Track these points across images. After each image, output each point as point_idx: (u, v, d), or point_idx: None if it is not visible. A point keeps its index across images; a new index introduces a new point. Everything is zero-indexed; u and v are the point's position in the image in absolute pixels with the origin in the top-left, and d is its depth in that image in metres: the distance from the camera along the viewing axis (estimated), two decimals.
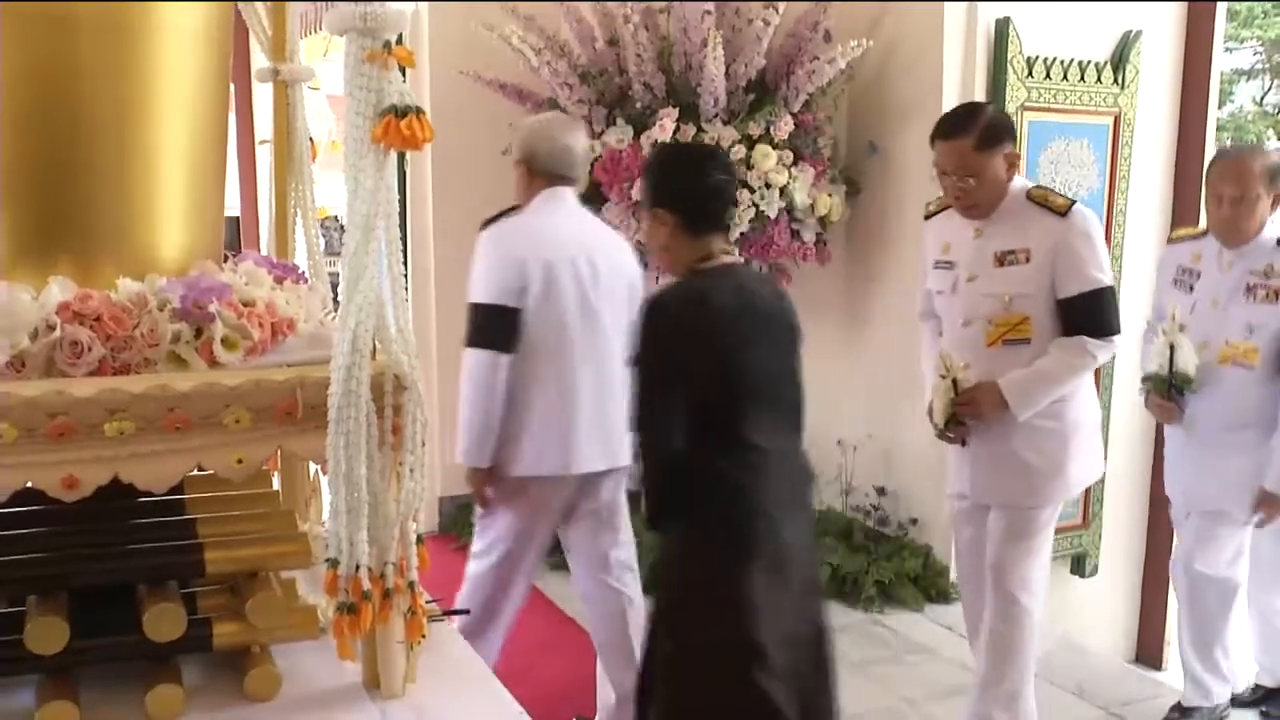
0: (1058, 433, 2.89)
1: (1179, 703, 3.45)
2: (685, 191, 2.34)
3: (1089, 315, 2.79)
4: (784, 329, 2.38)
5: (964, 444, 3.01)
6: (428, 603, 2.03)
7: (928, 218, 3.13)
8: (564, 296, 2.90)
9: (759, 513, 2.24)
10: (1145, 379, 3.27)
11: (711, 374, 2.24)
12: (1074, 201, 2.82)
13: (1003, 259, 2.85)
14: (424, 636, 1.95)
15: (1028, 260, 2.82)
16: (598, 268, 2.95)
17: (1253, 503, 3.10)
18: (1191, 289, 3.21)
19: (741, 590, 2.19)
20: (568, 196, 3.02)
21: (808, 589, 2.36)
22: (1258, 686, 3.63)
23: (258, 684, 1.96)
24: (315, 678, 2.04)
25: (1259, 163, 3.06)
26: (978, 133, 2.82)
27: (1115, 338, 2.83)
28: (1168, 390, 3.17)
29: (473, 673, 2.16)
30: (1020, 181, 2.94)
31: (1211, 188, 3.13)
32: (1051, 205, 2.82)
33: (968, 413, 2.88)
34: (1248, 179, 3.04)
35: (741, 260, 3.01)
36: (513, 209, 3.03)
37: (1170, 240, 3.43)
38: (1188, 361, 3.13)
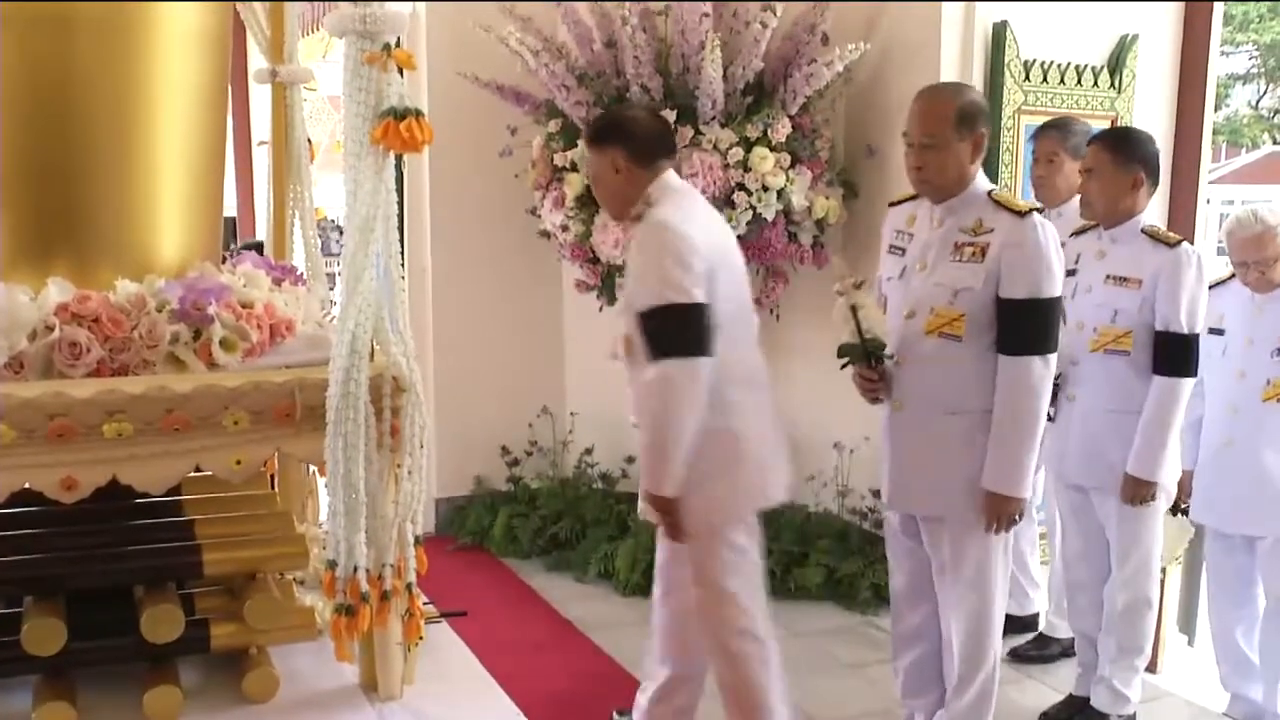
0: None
1: None
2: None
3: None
4: None
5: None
6: (425, 604, 2.03)
7: None
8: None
9: None
10: (841, 352, 2.69)
11: None
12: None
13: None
14: (421, 638, 1.95)
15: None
16: None
17: (979, 506, 2.50)
18: (904, 252, 2.74)
19: None
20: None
21: None
22: None
23: (256, 685, 1.96)
24: (313, 679, 2.05)
25: (950, 103, 2.52)
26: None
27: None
28: (867, 360, 2.66)
29: (471, 675, 2.16)
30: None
31: (906, 134, 2.60)
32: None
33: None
34: (935, 121, 2.51)
35: None
36: None
37: (890, 204, 2.88)
38: (875, 322, 2.67)
